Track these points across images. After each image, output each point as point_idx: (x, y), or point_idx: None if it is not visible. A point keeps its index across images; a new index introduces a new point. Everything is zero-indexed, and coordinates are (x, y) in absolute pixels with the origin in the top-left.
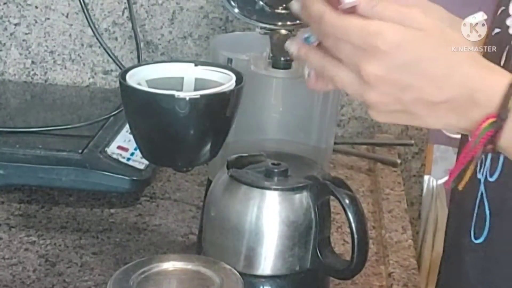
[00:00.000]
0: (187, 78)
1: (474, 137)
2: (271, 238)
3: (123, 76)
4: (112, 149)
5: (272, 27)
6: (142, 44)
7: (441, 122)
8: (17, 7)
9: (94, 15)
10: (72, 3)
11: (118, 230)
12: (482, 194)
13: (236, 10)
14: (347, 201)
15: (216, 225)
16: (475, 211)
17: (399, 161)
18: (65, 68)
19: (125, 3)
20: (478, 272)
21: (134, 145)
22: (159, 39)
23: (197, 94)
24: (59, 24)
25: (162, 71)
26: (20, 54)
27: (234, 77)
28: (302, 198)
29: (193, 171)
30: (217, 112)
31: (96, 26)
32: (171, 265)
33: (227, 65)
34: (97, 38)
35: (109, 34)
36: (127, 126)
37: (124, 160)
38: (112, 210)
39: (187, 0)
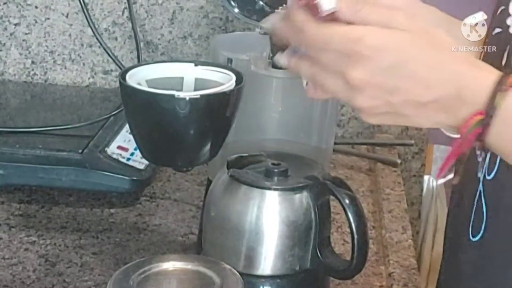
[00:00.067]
0: (187, 78)
1: (462, 134)
2: (271, 238)
3: (123, 76)
4: (112, 149)
5: None
6: (142, 44)
7: (431, 121)
8: (17, 7)
9: (94, 15)
10: (72, 3)
11: (118, 230)
12: (480, 192)
13: (236, 10)
14: (347, 201)
15: (216, 225)
16: (474, 210)
17: (399, 161)
18: (65, 68)
19: (125, 3)
20: (473, 270)
21: (134, 145)
22: (159, 39)
23: (197, 94)
24: (59, 24)
25: (162, 71)
26: (20, 54)
27: (234, 77)
28: (302, 198)
29: (193, 171)
30: (217, 112)
31: (96, 26)
32: (171, 265)
33: (227, 65)
34: (97, 38)
35: (109, 34)
36: (127, 126)
37: (124, 160)
38: (112, 210)
39: (187, 0)
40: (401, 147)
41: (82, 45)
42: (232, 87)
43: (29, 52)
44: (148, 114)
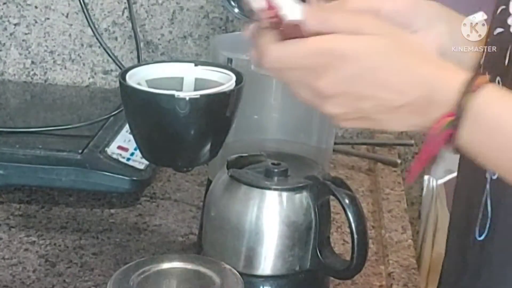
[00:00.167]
0: (187, 78)
1: (433, 135)
2: (271, 238)
3: (123, 76)
4: (112, 149)
5: None
6: (142, 44)
7: (404, 125)
8: (17, 7)
9: (94, 15)
10: (72, 3)
11: (118, 230)
12: (487, 192)
13: (236, 10)
14: (347, 201)
15: (216, 225)
16: (481, 209)
17: (399, 161)
18: (65, 68)
19: (125, 3)
20: (477, 269)
21: (134, 145)
22: (159, 39)
23: (197, 94)
24: (59, 24)
25: (162, 71)
26: (20, 54)
27: (234, 77)
28: (302, 198)
29: (193, 171)
30: (217, 112)
31: (96, 26)
32: (171, 265)
33: (227, 65)
34: (97, 38)
35: (109, 34)
36: (127, 126)
37: (124, 160)
38: (112, 210)
39: (187, 0)
40: (401, 147)
41: (82, 45)
42: (232, 87)
43: (29, 52)
44: (148, 114)
